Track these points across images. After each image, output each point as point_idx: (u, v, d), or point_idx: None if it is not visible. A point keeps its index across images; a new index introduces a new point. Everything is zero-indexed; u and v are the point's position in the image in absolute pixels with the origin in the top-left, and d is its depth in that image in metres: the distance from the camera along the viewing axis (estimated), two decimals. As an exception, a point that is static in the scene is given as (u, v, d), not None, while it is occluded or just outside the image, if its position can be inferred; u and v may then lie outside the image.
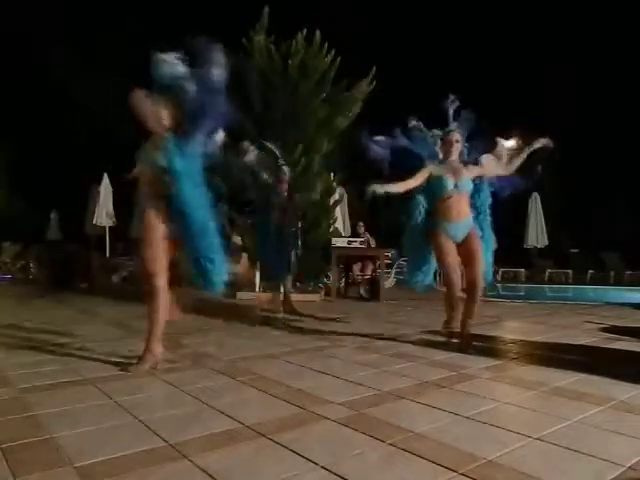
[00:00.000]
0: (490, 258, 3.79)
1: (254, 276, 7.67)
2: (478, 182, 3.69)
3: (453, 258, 3.52)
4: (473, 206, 3.71)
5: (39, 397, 2.37)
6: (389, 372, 2.94)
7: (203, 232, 2.79)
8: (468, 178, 3.55)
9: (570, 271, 13.80)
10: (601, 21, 17.13)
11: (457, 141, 3.60)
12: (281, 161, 5.20)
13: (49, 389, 2.51)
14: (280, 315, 5.02)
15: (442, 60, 17.47)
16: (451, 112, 3.70)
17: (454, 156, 3.61)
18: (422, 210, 3.68)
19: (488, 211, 3.81)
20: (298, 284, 7.34)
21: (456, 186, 3.51)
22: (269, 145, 5.33)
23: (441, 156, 3.71)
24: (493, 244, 3.85)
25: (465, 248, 3.55)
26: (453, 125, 3.68)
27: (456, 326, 3.68)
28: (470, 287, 3.52)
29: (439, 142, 3.75)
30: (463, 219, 3.55)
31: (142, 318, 5.25)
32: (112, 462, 1.66)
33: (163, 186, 2.79)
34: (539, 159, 3.72)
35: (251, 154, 5.17)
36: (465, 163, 3.65)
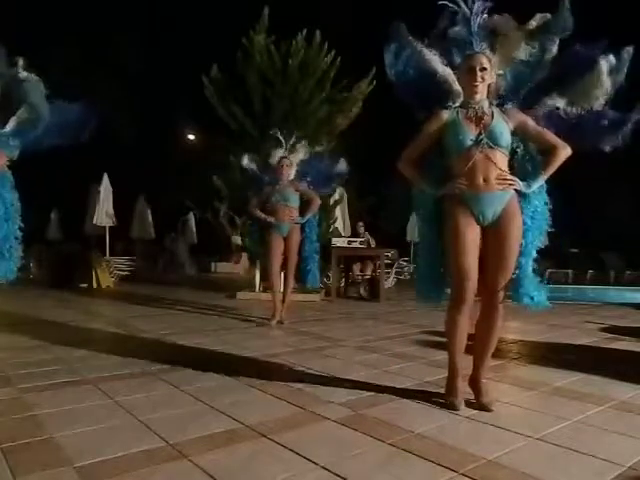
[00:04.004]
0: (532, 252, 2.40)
1: (254, 276, 7.67)
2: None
3: (471, 260, 2.23)
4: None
5: (39, 397, 2.37)
6: (389, 372, 2.94)
7: None
8: (502, 128, 2.26)
9: (570, 271, 13.82)
10: None
11: (484, 68, 2.24)
12: (285, 152, 5.16)
13: (49, 389, 2.51)
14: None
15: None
16: (475, 19, 2.29)
17: (480, 93, 2.28)
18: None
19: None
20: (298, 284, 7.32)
21: (479, 140, 2.24)
22: (275, 134, 5.30)
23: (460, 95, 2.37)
24: (542, 232, 2.44)
25: (494, 235, 2.26)
26: (478, 43, 2.29)
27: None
28: (487, 299, 2.35)
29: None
30: (497, 189, 2.25)
31: (142, 318, 5.27)
32: (112, 462, 1.66)
33: None
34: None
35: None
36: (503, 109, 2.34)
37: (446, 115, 2.33)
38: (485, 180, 2.24)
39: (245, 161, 5.32)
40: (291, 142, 5.24)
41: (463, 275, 2.21)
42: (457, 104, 2.37)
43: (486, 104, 2.31)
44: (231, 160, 7.29)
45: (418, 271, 2.64)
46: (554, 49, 2.33)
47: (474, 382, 2.40)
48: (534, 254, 2.39)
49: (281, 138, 5.23)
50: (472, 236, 2.25)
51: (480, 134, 2.25)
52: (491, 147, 2.24)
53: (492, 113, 2.29)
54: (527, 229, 2.33)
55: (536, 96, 2.39)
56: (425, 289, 2.50)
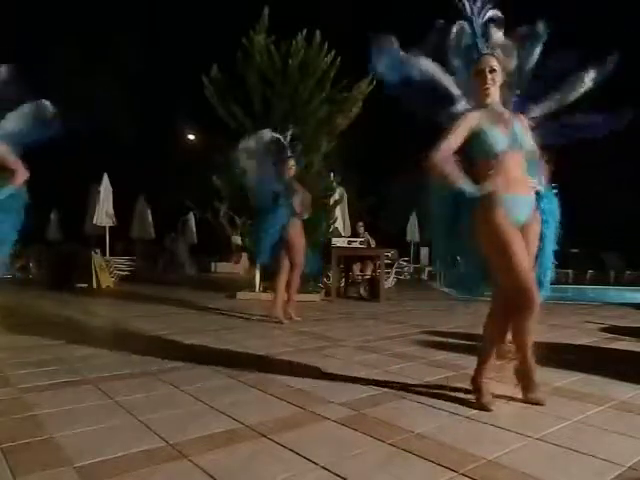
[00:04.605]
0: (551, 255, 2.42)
1: (254, 276, 7.67)
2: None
3: (524, 254, 2.17)
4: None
5: (39, 397, 2.37)
6: (389, 372, 2.94)
7: None
8: (521, 130, 2.26)
9: (570, 271, 13.83)
10: None
11: (493, 69, 2.22)
12: (288, 151, 5.17)
13: (49, 389, 2.51)
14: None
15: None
16: (478, 20, 2.27)
17: (492, 95, 2.25)
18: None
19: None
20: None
21: (514, 146, 2.21)
22: (276, 134, 5.30)
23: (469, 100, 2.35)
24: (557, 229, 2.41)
25: (525, 237, 2.25)
26: (484, 45, 2.25)
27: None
28: (514, 300, 2.25)
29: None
30: (528, 191, 2.26)
31: (142, 318, 5.27)
32: (112, 462, 1.66)
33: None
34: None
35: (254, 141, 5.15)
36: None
37: (476, 116, 2.24)
38: (516, 182, 2.20)
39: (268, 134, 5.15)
40: (289, 139, 5.25)
41: (520, 270, 2.12)
42: (468, 107, 2.33)
43: (500, 106, 2.27)
44: (231, 160, 7.29)
45: (447, 266, 2.46)
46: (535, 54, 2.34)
47: (475, 382, 2.41)
48: (553, 254, 2.40)
49: (282, 138, 5.22)
50: (519, 237, 2.19)
51: (510, 136, 2.21)
52: (519, 149, 2.22)
53: (510, 115, 2.26)
54: (547, 227, 2.32)
55: (526, 105, 2.39)
56: (462, 280, 2.43)
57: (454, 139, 2.19)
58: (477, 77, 2.23)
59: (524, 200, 2.24)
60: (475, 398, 2.34)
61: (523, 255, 2.16)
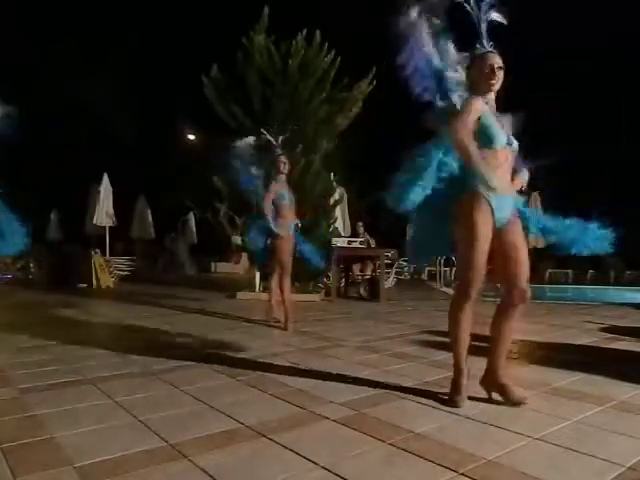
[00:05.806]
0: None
1: (254, 276, 7.67)
2: None
3: (484, 258, 2.25)
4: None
5: (39, 397, 2.37)
6: (389, 372, 2.94)
7: None
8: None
9: (570, 271, 13.83)
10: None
11: (500, 67, 2.27)
12: (279, 150, 5.10)
13: (49, 389, 2.51)
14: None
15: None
16: (484, 24, 2.31)
17: (495, 91, 2.33)
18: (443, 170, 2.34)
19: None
20: (297, 284, 7.33)
21: (509, 142, 2.28)
22: (266, 135, 5.25)
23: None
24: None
25: (504, 241, 2.28)
26: (488, 42, 2.31)
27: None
28: (511, 297, 2.29)
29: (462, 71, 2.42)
30: (512, 192, 2.36)
31: (141, 318, 5.27)
32: (112, 462, 1.66)
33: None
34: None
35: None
36: None
37: (481, 103, 2.26)
38: (505, 181, 2.27)
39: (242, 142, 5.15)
40: (284, 137, 5.20)
41: (473, 269, 2.26)
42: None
43: (494, 105, 2.34)
44: (232, 161, 7.28)
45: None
46: None
47: (492, 364, 2.43)
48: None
49: (270, 137, 5.17)
50: (488, 234, 2.26)
51: (509, 138, 2.29)
52: (512, 145, 2.31)
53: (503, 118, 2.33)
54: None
55: None
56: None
57: (468, 118, 2.19)
58: (487, 71, 2.26)
59: (510, 200, 2.31)
60: (503, 399, 2.34)
61: (483, 258, 2.23)
